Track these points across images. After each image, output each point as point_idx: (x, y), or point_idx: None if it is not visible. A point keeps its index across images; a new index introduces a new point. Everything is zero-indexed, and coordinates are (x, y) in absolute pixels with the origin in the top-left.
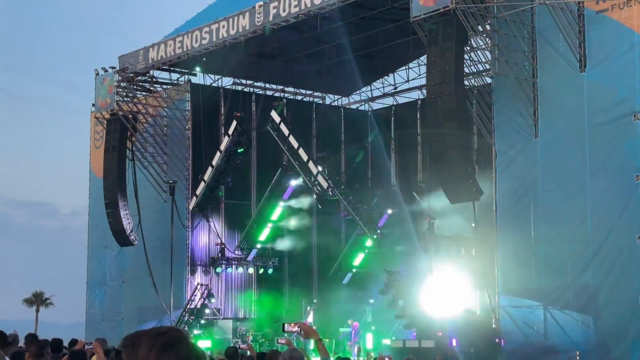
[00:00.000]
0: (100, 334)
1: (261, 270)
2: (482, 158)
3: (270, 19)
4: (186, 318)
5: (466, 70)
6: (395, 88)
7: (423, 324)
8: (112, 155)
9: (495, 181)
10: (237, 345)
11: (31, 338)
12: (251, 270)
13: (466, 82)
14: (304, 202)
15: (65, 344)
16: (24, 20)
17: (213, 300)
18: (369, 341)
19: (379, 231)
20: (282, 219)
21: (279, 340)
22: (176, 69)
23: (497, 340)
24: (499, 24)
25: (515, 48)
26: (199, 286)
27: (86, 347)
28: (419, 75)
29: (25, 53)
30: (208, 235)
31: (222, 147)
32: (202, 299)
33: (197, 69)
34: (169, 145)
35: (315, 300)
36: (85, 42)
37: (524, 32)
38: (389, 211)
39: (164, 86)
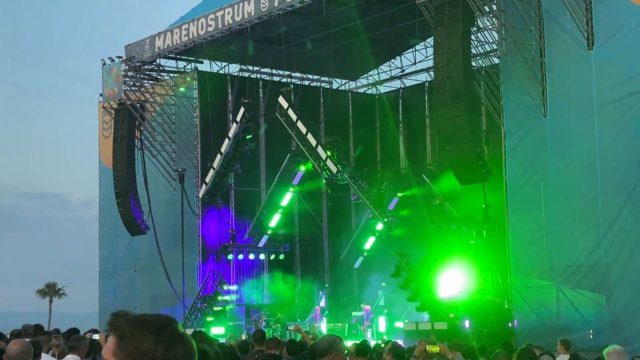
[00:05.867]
0: None
1: (272, 256)
2: (491, 139)
3: (276, 4)
4: (199, 305)
5: (473, 51)
6: (403, 71)
7: (435, 306)
8: (121, 145)
9: (504, 161)
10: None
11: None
12: (262, 256)
13: (473, 63)
14: (314, 186)
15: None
16: (29, 12)
17: (225, 287)
18: (382, 324)
19: (389, 214)
20: (292, 205)
21: (289, 327)
22: (183, 57)
23: (509, 321)
24: (505, 3)
25: (522, 27)
26: (210, 273)
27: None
28: (426, 57)
29: (31, 44)
30: (218, 222)
31: (231, 134)
32: (215, 286)
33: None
34: (177, 133)
35: (327, 285)
36: (91, 32)
37: (530, 11)
38: (399, 194)
39: (171, 74)
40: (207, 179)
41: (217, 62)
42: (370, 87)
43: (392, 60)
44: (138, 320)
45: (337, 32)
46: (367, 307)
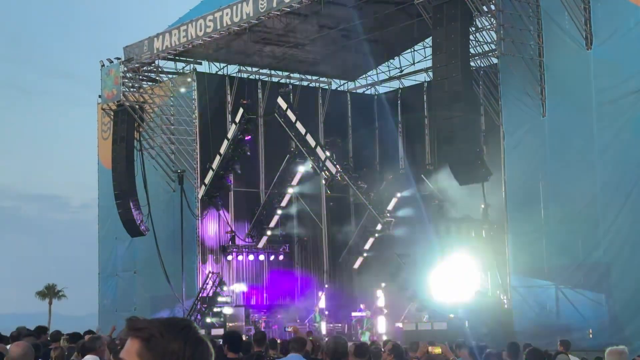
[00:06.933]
0: (114, 325)
1: (272, 257)
2: (490, 139)
3: (274, 5)
4: (199, 306)
5: (472, 51)
6: (401, 71)
7: (435, 306)
8: (120, 147)
9: (503, 161)
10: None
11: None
12: (262, 257)
13: (472, 63)
14: (313, 187)
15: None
16: (29, 13)
17: (225, 288)
18: (381, 325)
19: (388, 215)
20: (291, 205)
21: (287, 328)
22: (181, 58)
23: (509, 321)
24: (504, 3)
25: (521, 27)
26: (210, 274)
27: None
28: (425, 57)
29: (30, 46)
30: (218, 223)
31: (229, 135)
32: (214, 287)
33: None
34: (176, 134)
35: (326, 286)
36: (90, 34)
37: (529, 11)
38: (398, 195)
39: (170, 76)
40: (206, 180)
41: (215, 63)
42: (369, 87)
43: (391, 61)
44: (162, 322)
45: (336, 32)
46: (367, 311)
